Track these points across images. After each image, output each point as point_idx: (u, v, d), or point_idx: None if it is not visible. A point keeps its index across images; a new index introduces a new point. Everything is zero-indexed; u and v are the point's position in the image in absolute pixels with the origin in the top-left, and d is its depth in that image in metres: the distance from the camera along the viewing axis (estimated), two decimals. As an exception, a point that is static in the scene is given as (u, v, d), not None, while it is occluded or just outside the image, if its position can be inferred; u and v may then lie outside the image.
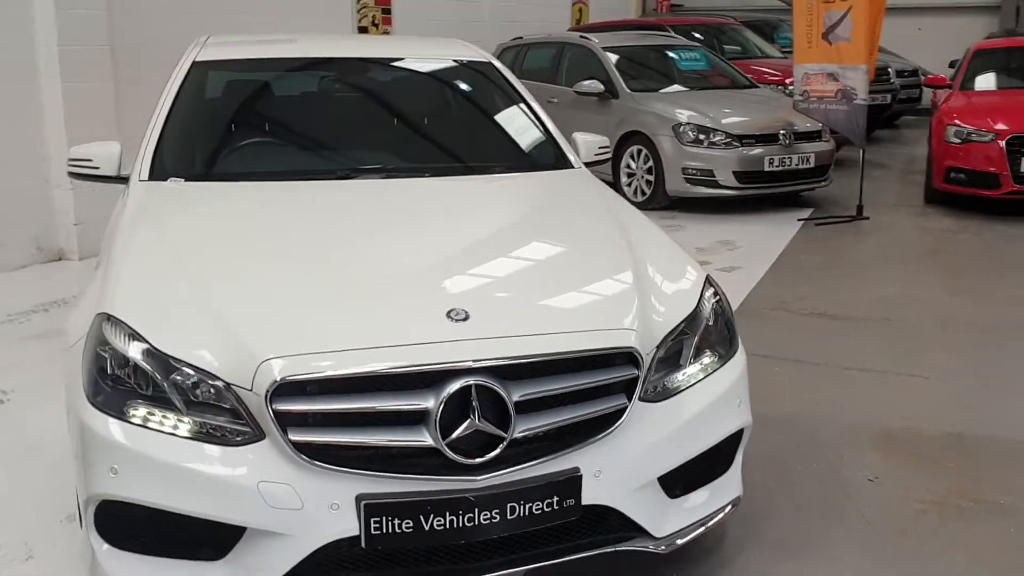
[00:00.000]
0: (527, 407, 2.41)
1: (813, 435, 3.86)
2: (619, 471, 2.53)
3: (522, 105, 4.13)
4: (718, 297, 2.93)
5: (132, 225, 3.06)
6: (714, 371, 2.78)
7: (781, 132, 8.32)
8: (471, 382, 2.33)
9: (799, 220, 8.11)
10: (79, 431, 2.42)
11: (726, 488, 2.87)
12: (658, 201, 8.58)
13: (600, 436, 2.49)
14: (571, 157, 3.91)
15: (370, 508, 2.31)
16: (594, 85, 9.10)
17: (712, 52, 10.29)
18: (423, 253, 2.90)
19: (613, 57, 9.44)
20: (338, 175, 3.53)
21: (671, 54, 9.88)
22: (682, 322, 2.74)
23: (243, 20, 8.14)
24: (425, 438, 2.32)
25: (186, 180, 3.46)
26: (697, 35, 12.26)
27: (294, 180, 3.49)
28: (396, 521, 2.32)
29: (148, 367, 2.39)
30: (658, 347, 2.64)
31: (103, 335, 2.48)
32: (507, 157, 3.96)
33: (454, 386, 2.32)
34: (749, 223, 8.05)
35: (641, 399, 2.59)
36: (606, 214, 3.31)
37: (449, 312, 2.47)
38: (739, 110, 8.64)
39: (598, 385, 2.50)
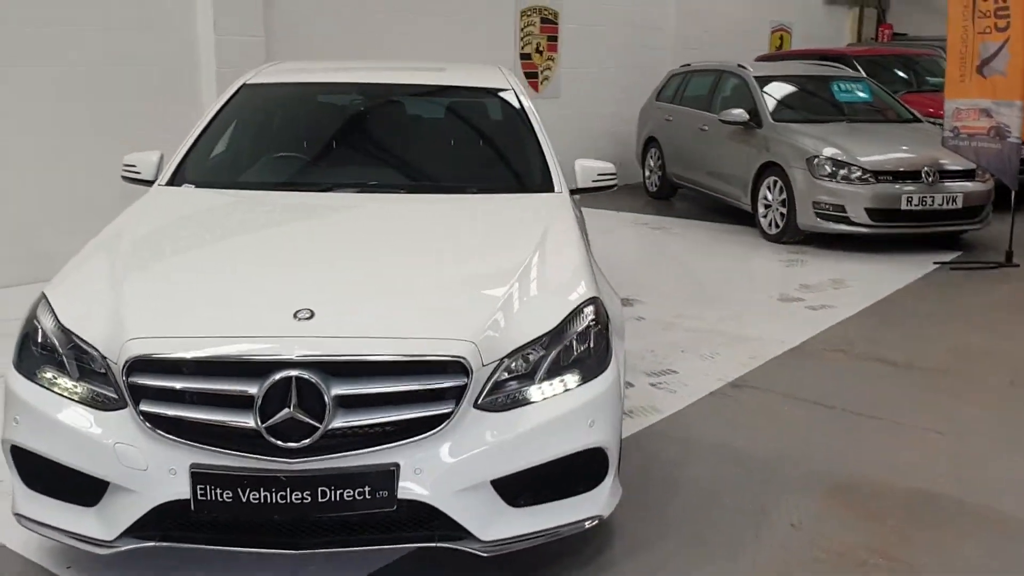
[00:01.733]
0: (350, 402, 2.66)
1: (771, 474, 3.78)
2: (442, 471, 2.71)
3: (528, 132, 4.32)
4: (596, 322, 3.03)
5: (120, 219, 3.59)
6: (571, 389, 2.89)
7: (925, 170, 7.86)
8: (291, 375, 2.62)
9: (935, 264, 7.63)
10: (2, 385, 2.94)
11: (583, 506, 2.96)
12: (790, 235, 8.36)
13: (421, 437, 2.69)
14: (556, 182, 4.06)
15: (197, 476, 2.65)
16: (739, 114, 9.00)
17: (877, 85, 9.81)
18: (319, 258, 3.23)
19: (765, 86, 9.28)
20: (321, 188, 3.93)
21: (832, 85, 9.55)
22: (535, 340, 2.87)
23: (396, 45, 8.76)
24: (249, 421, 2.63)
25: (196, 187, 3.97)
26: (897, 69, 11.74)
27: (282, 190, 3.93)
28: (218, 490, 2.64)
29: (55, 338, 2.86)
30: (503, 360, 2.81)
31: (35, 310, 2.99)
32: (491, 179, 4.19)
33: (275, 377, 2.62)
34: (876, 263, 7.67)
35: (480, 407, 2.76)
36: (534, 234, 3.46)
37: (297, 312, 2.77)
38: (883, 145, 8.25)
39: (425, 389, 2.70)
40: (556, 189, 4.03)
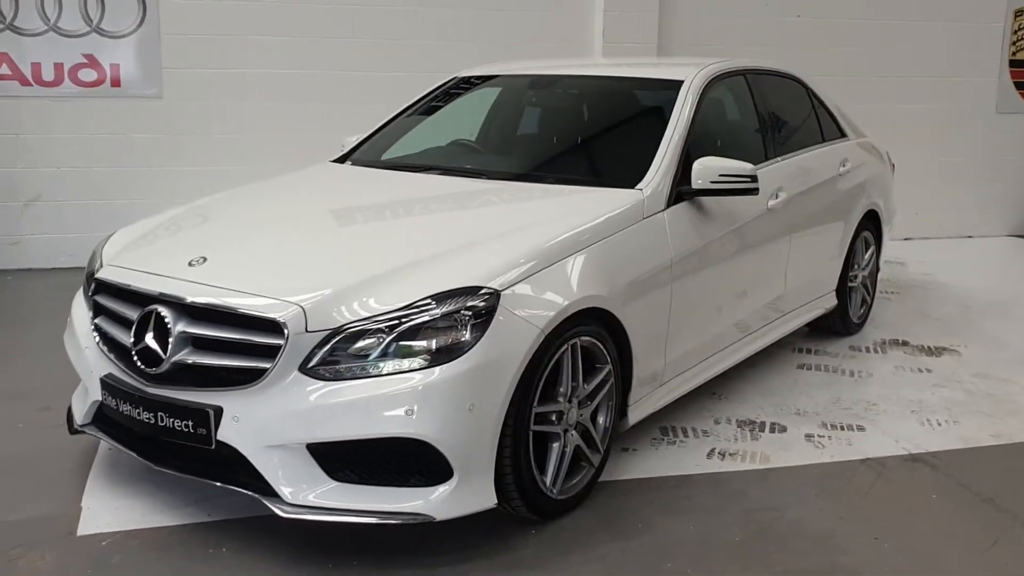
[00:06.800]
0: (195, 342, 2.95)
1: (772, 548, 3.01)
2: (255, 424, 2.85)
3: (658, 129, 3.93)
4: (471, 312, 2.83)
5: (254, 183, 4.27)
6: (400, 372, 2.78)
7: None
8: (153, 308, 2.99)
9: None
10: (81, 292, 3.77)
11: (411, 500, 2.84)
12: None
13: (241, 387, 2.86)
14: (644, 181, 3.68)
15: (103, 383, 3.18)
16: None
17: None
18: (292, 223, 3.58)
19: None
20: (418, 168, 4.16)
21: None
22: (375, 316, 2.82)
23: (813, 54, 8.12)
24: (127, 341, 3.07)
25: (352, 164, 4.46)
26: None
27: (394, 169, 4.24)
28: (111, 398, 3.14)
29: (96, 262, 3.59)
30: (338, 329, 2.82)
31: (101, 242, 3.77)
32: (576, 171, 4.00)
33: (146, 308, 3.02)
34: None
35: (307, 371, 2.82)
36: (517, 223, 3.36)
37: (192, 260, 3.12)
38: None
39: (244, 341, 2.86)
40: (639, 187, 3.66)
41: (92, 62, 6.72)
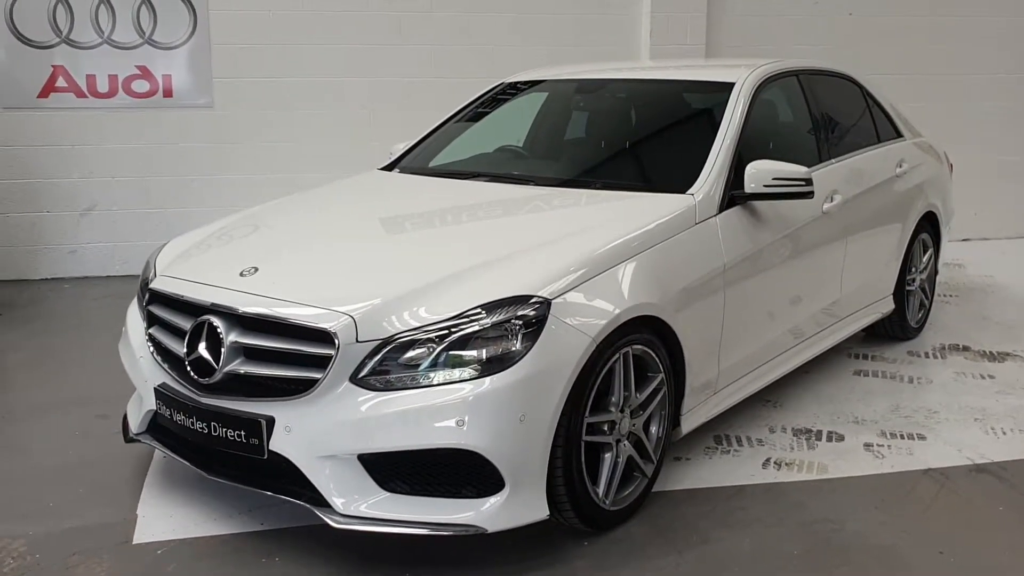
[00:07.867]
0: (247, 352, 2.95)
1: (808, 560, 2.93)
2: (307, 434, 2.85)
3: (709, 131, 3.87)
4: (522, 321, 2.80)
5: (304, 191, 4.29)
6: (451, 383, 2.76)
7: None
8: (206, 318, 3.00)
9: None
10: (136, 299, 3.82)
11: (463, 511, 2.81)
12: None
13: (293, 397, 2.85)
14: (696, 185, 3.62)
15: (157, 392, 3.20)
16: None
17: None
18: (339, 231, 3.61)
19: None
20: (465, 176, 4.16)
21: None
22: (423, 326, 2.81)
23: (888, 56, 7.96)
24: (181, 352, 3.08)
25: (400, 172, 4.46)
26: None
27: (440, 176, 4.25)
28: (165, 407, 3.16)
29: (148, 271, 3.62)
30: (388, 339, 2.80)
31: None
32: (624, 176, 3.96)
33: (199, 318, 3.04)
34: None
35: (357, 382, 2.81)
36: (564, 230, 3.33)
37: (243, 270, 3.13)
38: None
39: (295, 351, 2.86)
40: (690, 192, 3.60)
41: (145, 73, 6.82)
